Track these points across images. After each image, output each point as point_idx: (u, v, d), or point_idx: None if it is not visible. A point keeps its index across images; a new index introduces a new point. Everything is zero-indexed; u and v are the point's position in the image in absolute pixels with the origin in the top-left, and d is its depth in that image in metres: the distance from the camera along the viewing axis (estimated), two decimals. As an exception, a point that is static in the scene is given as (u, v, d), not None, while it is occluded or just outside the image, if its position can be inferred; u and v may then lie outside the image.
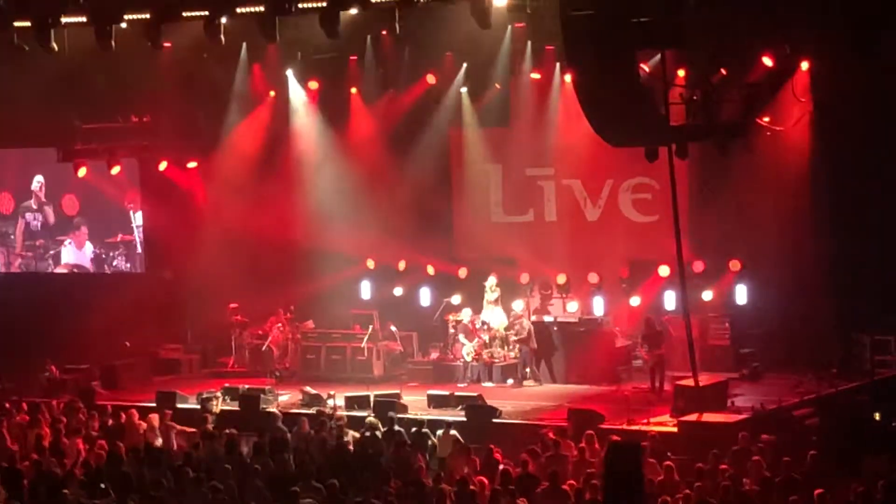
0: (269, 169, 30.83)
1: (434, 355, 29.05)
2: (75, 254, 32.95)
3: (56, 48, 24.15)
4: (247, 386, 26.78)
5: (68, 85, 28.64)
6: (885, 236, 26.01)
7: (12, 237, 33.50)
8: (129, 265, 32.47)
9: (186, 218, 31.32)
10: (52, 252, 33.20)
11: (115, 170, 30.72)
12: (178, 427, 23.49)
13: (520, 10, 24.86)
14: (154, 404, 25.71)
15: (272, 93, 30.68)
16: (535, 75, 29.09)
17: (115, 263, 32.60)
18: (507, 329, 28.14)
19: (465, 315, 28.22)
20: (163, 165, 31.14)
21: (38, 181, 33.05)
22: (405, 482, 19.03)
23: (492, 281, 28.57)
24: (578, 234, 29.67)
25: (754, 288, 27.71)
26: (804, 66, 25.29)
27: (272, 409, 25.20)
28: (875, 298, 25.90)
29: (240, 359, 30.15)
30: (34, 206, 33.33)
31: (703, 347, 26.68)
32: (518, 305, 28.42)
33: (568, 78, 27.11)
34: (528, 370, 27.70)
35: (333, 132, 30.81)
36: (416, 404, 25.07)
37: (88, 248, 32.84)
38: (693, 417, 22.78)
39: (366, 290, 30.72)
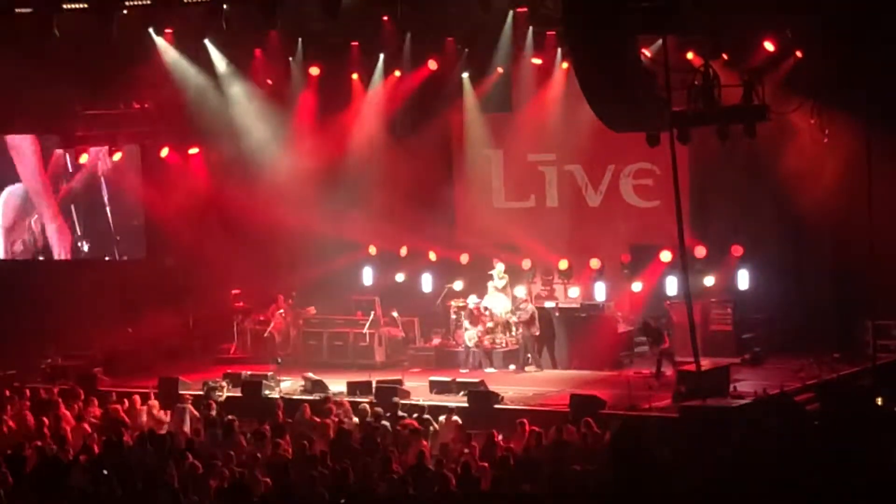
0: (271, 155, 30.81)
1: (436, 341, 29.05)
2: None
3: (58, 34, 24.15)
4: (249, 372, 26.75)
5: (70, 71, 28.57)
6: (886, 220, 25.92)
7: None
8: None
9: (188, 204, 31.26)
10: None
11: (117, 156, 30.78)
12: (195, 412, 23.51)
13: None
14: (156, 391, 25.75)
15: (270, 81, 30.62)
16: (537, 60, 29.02)
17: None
18: (510, 312, 28.07)
19: (471, 301, 28.21)
20: (164, 152, 31.14)
21: None
22: (407, 467, 19.07)
23: (499, 268, 28.48)
24: (580, 220, 29.64)
25: (756, 273, 27.69)
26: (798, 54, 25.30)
27: (274, 395, 25.25)
28: (877, 283, 25.84)
29: (242, 345, 30.14)
30: None
31: (705, 333, 26.66)
32: (521, 291, 28.39)
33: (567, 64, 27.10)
34: (528, 356, 27.69)
35: (335, 118, 30.78)
36: (418, 390, 25.07)
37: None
38: (695, 403, 22.79)
39: (367, 276, 30.70)
